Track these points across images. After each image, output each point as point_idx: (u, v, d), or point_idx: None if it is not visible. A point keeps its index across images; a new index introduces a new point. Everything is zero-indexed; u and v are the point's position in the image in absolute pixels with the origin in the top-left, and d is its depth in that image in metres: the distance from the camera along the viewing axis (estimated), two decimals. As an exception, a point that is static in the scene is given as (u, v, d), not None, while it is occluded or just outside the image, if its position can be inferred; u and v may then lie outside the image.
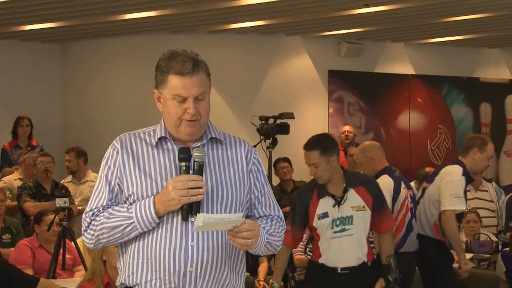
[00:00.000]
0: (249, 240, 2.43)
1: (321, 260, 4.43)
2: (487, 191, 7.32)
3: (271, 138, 6.05)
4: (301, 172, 8.27)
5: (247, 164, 2.63)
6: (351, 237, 4.39)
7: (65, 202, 5.58)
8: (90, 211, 2.53)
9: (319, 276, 4.49)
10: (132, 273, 2.52)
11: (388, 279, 4.41)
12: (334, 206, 4.39)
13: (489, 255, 6.33)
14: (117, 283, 2.61)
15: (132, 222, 2.46)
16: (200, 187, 2.43)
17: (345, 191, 4.41)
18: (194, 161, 2.49)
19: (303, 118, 8.86)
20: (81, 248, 5.50)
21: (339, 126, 9.45)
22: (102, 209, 2.52)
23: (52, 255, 5.40)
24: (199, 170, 2.48)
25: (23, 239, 5.95)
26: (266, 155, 6.13)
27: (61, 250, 5.40)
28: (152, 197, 2.47)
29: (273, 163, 6.52)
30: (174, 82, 2.51)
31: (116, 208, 2.51)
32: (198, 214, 2.40)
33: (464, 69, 10.50)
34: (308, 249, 4.58)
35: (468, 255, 6.46)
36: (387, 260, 4.45)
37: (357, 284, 4.41)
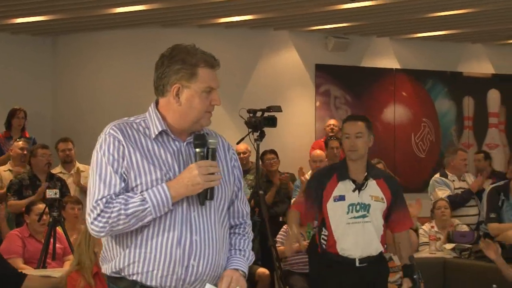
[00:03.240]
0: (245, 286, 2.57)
1: (337, 247, 4.24)
2: (466, 181, 7.41)
3: (259, 131, 6.06)
4: (287, 164, 8.29)
5: (230, 160, 2.68)
6: (369, 223, 4.25)
7: (55, 193, 5.54)
8: (102, 198, 2.45)
9: (338, 270, 4.28)
10: (134, 262, 2.50)
11: (414, 279, 4.24)
12: (354, 191, 4.25)
13: (471, 245, 6.37)
14: (107, 271, 2.58)
15: (147, 208, 2.43)
16: (215, 173, 2.49)
17: (366, 179, 4.29)
18: (209, 148, 2.52)
19: (290, 111, 8.86)
20: (71, 239, 5.49)
21: (325, 119, 9.46)
22: (115, 196, 2.46)
23: (43, 245, 5.38)
24: (213, 156, 2.53)
25: (14, 229, 5.92)
26: (254, 147, 6.15)
27: (51, 240, 5.38)
28: (164, 183, 2.46)
29: (260, 154, 6.52)
30: (205, 74, 2.53)
31: (129, 194, 2.47)
32: None
33: (447, 64, 10.52)
34: (322, 237, 4.35)
35: (450, 245, 6.51)
36: (409, 260, 4.28)
37: (375, 274, 4.31)
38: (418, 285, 4.26)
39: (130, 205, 2.43)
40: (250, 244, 2.71)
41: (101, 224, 2.45)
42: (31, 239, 5.58)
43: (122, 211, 2.43)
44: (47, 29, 9.17)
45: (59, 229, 5.52)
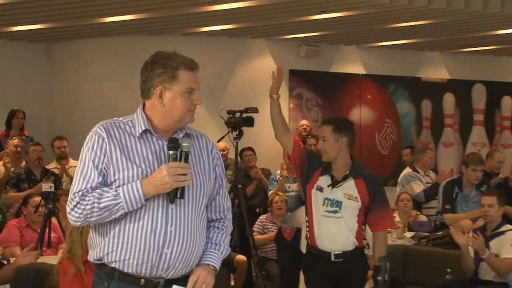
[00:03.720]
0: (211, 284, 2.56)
1: (315, 239, 4.12)
2: (430, 176, 7.54)
3: (238, 130, 6.06)
4: (264, 160, 8.30)
5: (212, 159, 2.66)
6: (341, 219, 4.07)
7: (50, 187, 5.52)
8: (78, 191, 2.47)
9: (314, 263, 4.19)
10: (112, 251, 2.49)
11: (377, 280, 4.01)
12: (328, 186, 4.10)
13: (428, 233, 6.42)
14: (91, 258, 2.58)
15: (119, 202, 2.43)
16: (187, 174, 2.46)
17: (345, 178, 4.10)
18: (182, 151, 2.49)
19: (266, 112, 8.76)
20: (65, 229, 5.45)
21: (298, 119, 9.47)
22: (91, 190, 2.46)
23: (39, 234, 5.35)
24: (186, 159, 2.50)
25: (13, 219, 5.89)
26: (233, 144, 6.14)
27: (47, 230, 5.36)
28: (138, 180, 2.45)
29: (239, 151, 6.52)
30: (186, 76, 2.52)
31: (104, 189, 2.46)
32: None
33: (408, 70, 10.58)
34: (306, 225, 4.24)
35: (410, 234, 6.56)
36: (378, 261, 4.06)
37: (350, 268, 4.10)
38: (381, 287, 4.02)
39: (103, 200, 2.43)
40: (228, 238, 2.69)
41: (76, 215, 2.47)
42: (28, 229, 5.54)
43: (95, 205, 2.43)
44: (42, 36, 9.11)
45: (54, 219, 5.49)
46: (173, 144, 2.49)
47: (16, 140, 7.21)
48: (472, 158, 6.35)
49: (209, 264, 2.59)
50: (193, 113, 2.56)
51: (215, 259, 2.61)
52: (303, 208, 5.26)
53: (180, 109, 2.52)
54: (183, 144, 2.49)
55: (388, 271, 4.07)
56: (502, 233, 5.28)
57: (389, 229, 6.39)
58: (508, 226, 5.34)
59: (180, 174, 2.44)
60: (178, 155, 2.49)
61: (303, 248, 5.13)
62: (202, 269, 2.56)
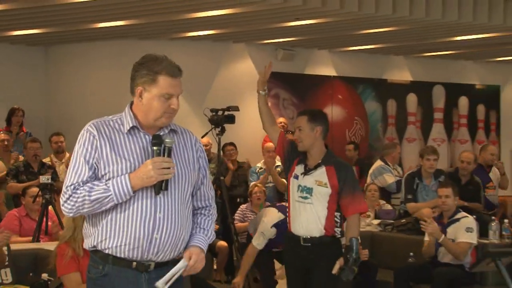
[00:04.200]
0: (199, 265, 2.56)
1: (291, 226, 4.03)
2: (397, 170, 7.63)
3: (220, 127, 6.05)
4: (244, 154, 8.30)
5: (196, 151, 2.65)
6: (311, 205, 3.96)
7: (47, 179, 5.50)
8: (70, 185, 2.46)
9: (288, 246, 4.11)
10: (105, 239, 2.48)
11: (347, 258, 3.87)
12: (301, 174, 4.02)
13: (393, 221, 6.48)
14: (86, 246, 2.58)
15: (109, 195, 2.42)
16: (170, 168, 2.46)
17: (317, 166, 3.99)
18: (165, 146, 2.48)
19: (246, 110, 8.83)
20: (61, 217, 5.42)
21: (275, 117, 9.45)
22: (82, 184, 2.46)
23: (37, 223, 5.32)
24: (169, 154, 2.49)
25: (13, 209, 5.85)
26: (216, 140, 6.14)
27: (44, 219, 5.32)
28: (127, 174, 2.44)
29: (221, 146, 6.52)
30: (165, 82, 2.48)
31: (95, 183, 2.46)
32: (157, 283, 2.47)
33: (375, 72, 10.63)
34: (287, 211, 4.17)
35: (377, 221, 6.61)
36: (349, 241, 3.89)
37: (321, 255, 3.96)
38: (350, 265, 3.87)
39: (94, 193, 2.43)
40: (213, 224, 2.69)
41: (69, 207, 2.48)
42: (27, 218, 5.51)
43: (86, 197, 2.43)
44: (40, 40, 9.03)
45: (51, 209, 5.46)
46: (157, 140, 2.49)
47: (3, 134, 7.23)
48: (425, 149, 6.54)
49: (197, 246, 2.59)
50: (170, 115, 2.53)
51: (203, 242, 2.61)
52: (265, 211, 5.26)
53: (155, 111, 2.50)
54: (166, 140, 2.49)
55: (359, 251, 3.90)
56: (458, 220, 5.35)
57: (364, 213, 6.21)
58: (463, 214, 5.41)
59: (164, 168, 2.44)
60: (162, 150, 2.49)
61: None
62: (193, 248, 2.56)
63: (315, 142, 4.02)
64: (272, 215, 5.08)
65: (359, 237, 3.99)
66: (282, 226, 4.87)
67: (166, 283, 2.45)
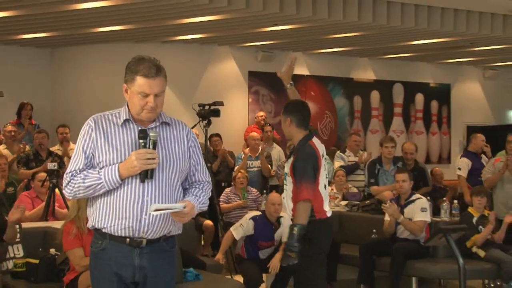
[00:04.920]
0: (187, 218, 2.50)
1: (326, 211, 3.75)
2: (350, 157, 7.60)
3: (207, 120, 6.05)
4: (228, 144, 8.30)
5: (187, 141, 2.62)
6: (286, 191, 3.75)
7: (54, 166, 5.46)
8: (69, 172, 2.49)
9: (329, 230, 3.84)
10: (101, 219, 2.50)
11: (287, 244, 3.57)
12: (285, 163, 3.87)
13: (358, 202, 6.52)
14: (89, 225, 2.60)
15: (101, 182, 2.44)
16: (154, 158, 2.43)
17: (291, 154, 3.75)
18: (150, 139, 2.47)
19: (230, 105, 8.86)
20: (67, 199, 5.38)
21: (256, 111, 9.48)
22: (79, 171, 2.47)
23: (45, 204, 5.29)
24: (154, 146, 2.47)
25: (25, 191, 5.81)
26: (203, 132, 6.14)
27: (51, 201, 5.29)
28: (117, 164, 2.44)
29: (208, 137, 6.51)
30: (141, 82, 2.46)
31: (90, 171, 2.47)
32: (151, 205, 2.41)
33: (343, 72, 10.67)
34: None
35: (344, 202, 6.65)
36: (290, 228, 3.58)
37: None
38: (285, 251, 3.54)
39: (87, 180, 2.45)
40: (206, 198, 2.62)
41: (68, 191, 2.51)
42: (37, 199, 5.47)
43: (81, 184, 2.46)
44: (47, 43, 8.93)
45: (57, 192, 5.42)
46: (142, 134, 2.48)
47: (10, 126, 7.14)
48: (384, 138, 6.62)
49: (191, 202, 2.52)
50: (148, 111, 2.48)
51: (194, 202, 2.54)
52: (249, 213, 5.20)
53: (135, 106, 2.49)
54: (151, 134, 2.48)
55: (299, 239, 3.50)
56: (413, 201, 5.40)
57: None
58: (417, 195, 5.46)
59: (148, 159, 2.42)
60: (148, 143, 2.47)
61: (262, 255, 5.07)
62: (188, 201, 2.50)
63: (291, 132, 3.77)
64: (252, 212, 5.25)
65: (302, 224, 3.54)
66: (259, 220, 4.95)
67: (157, 210, 2.40)
